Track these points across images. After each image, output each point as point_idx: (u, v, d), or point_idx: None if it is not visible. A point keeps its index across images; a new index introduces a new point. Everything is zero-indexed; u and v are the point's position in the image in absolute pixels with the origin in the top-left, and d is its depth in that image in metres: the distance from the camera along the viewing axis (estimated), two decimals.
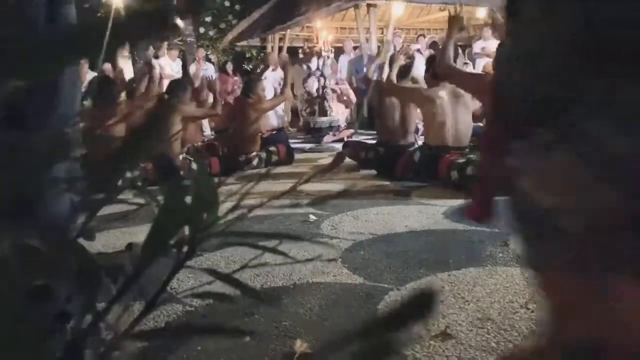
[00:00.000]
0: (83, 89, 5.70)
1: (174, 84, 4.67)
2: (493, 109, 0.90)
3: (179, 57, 9.70)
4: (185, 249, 0.39)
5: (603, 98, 0.57)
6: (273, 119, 6.70)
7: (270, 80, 7.64)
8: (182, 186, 0.31)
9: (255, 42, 12.06)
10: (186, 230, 0.40)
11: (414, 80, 4.48)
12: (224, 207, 0.42)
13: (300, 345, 1.31)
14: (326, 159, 5.22)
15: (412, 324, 0.21)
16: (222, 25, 13.55)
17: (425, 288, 0.21)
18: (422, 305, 0.21)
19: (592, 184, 0.54)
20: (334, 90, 7.16)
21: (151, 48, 10.78)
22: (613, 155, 0.54)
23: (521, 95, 0.73)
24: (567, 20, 0.61)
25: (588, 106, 0.58)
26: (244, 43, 12.14)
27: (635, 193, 0.51)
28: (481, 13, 8.39)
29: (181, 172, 4.22)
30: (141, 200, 0.59)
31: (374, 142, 4.57)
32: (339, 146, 5.59)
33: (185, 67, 9.37)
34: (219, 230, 0.38)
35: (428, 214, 2.80)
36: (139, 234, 2.52)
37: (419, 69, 4.75)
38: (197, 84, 5.59)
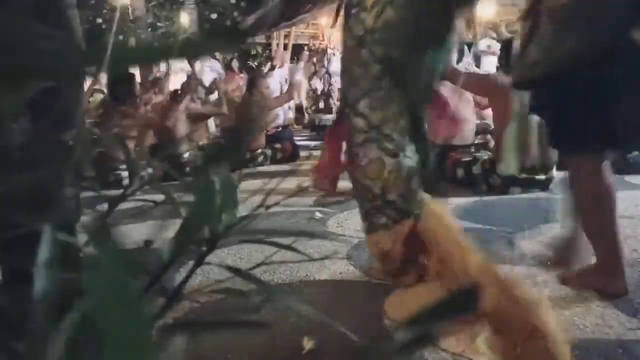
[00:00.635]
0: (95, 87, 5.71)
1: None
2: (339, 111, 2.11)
3: None
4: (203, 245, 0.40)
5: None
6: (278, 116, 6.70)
7: (277, 78, 7.64)
8: (213, 184, 0.31)
9: (260, 39, 12.06)
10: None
11: None
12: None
13: (307, 342, 1.32)
14: None
15: (455, 317, 0.21)
16: (228, 22, 13.55)
17: (471, 285, 0.22)
18: (465, 300, 0.21)
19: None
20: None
21: None
22: None
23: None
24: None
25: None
26: (249, 40, 12.13)
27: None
28: (486, 12, 8.35)
29: (187, 169, 4.24)
30: (151, 197, 0.59)
31: None
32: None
33: (191, 65, 9.37)
34: (237, 227, 0.38)
35: None
36: (143, 230, 2.53)
37: None
38: (204, 81, 5.63)
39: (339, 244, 2.23)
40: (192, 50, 0.25)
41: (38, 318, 0.21)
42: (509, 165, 1.94)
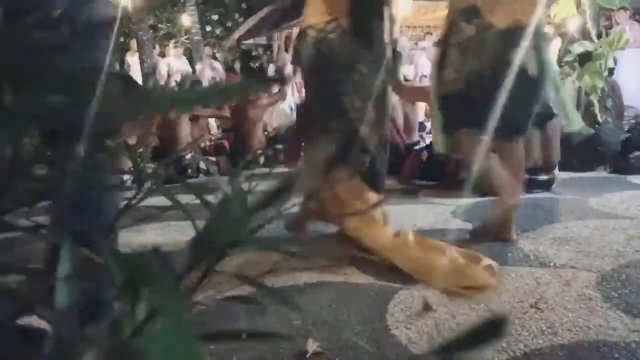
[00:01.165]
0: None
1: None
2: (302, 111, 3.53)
3: (184, 55, 9.71)
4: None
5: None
6: (279, 117, 6.71)
7: None
8: (228, 198, 0.32)
9: (262, 40, 12.08)
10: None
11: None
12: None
13: (312, 345, 1.32)
14: None
15: (481, 346, 0.22)
16: (229, 24, 13.57)
17: (497, 314, 0.22)
18: (492, 329, 0.21)
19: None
20: None
21: (157, 47, 10.77)
22: None
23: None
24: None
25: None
26: (250, 41, 12.16)
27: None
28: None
29: (189, 171, 4.25)
30: (152, 199, 0.60)
31: None
32: None
33: (192, 66, 9.39)
34: (247, 236, 0.39)
35: (436, 213, 2.80)
36: (148, 232, 2.54)
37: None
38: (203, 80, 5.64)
39: (342, 246, 2.23)
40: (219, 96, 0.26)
41: (61, 331, 0.21)
42: (439, 145, 2.45)
